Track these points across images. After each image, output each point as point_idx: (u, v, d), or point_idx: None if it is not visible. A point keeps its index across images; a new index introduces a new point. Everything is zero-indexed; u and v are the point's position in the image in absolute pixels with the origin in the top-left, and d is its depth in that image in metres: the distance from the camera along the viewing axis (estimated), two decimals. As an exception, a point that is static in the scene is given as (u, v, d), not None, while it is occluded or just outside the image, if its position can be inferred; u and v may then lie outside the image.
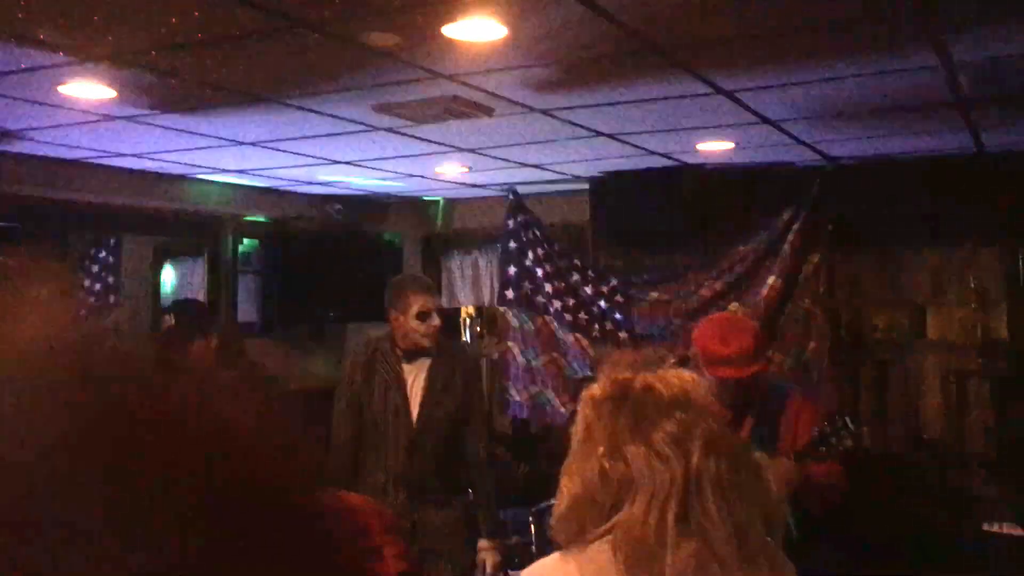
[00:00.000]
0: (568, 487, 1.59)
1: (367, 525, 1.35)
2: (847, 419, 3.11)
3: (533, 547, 4.42)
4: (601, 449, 1.55)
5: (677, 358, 1.69)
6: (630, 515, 1.50)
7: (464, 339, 7.75)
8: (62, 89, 3.79)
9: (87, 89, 3.80)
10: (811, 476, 3.09)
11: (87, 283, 6.48)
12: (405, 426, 3.79)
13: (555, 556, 1.61)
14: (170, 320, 3.97)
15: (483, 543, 3.88)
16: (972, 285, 5.88)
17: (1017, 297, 5.77)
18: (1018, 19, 3.09)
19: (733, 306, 5.53)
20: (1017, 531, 4.59)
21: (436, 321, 3.81)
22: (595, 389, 1.64)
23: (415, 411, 3.81)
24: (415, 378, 3.84)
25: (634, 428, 1.55)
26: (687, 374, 1.66)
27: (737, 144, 5.19)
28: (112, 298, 6.43)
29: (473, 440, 3.87)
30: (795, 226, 5.48)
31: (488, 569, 3.83)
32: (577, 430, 1.63)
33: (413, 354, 3.85)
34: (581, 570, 1.53)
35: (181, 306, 4.20)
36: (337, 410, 3.92)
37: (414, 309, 3.77)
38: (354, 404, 3.87)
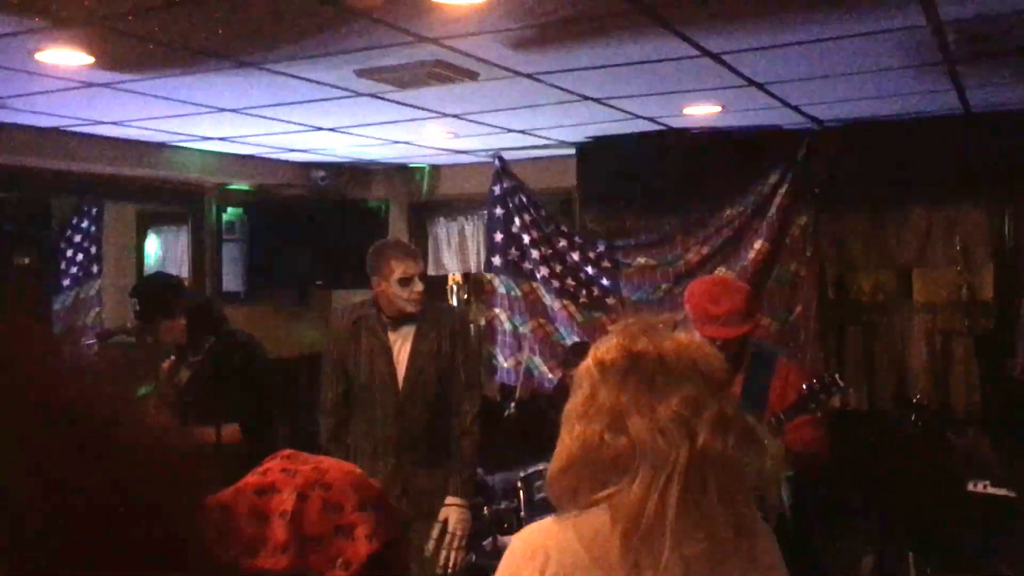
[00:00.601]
0: (567, 445, 1.55)
1: (340, 503, 1.34)
2: (836, 376, 3.13)
3: (522, 512, 4.44)
4: (604, 416, 1.51)
5: (668, 324, 1.64)
6: (630, 491, 1.46)
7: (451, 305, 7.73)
8: (39, 56, 3.72)
9: (64, 56, 3.73)
10: (790, 446, 3.11)
11: (68, 253, 6.42)
12: (392, 394, 3.78)
13: (550, 520, 1.56)
14: (135, 304, 3.90)
15: (450, 499, 3.77)
16: (958, 246, 5.89)
17: (1002, 257, 5.79)
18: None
19: (720, 270, 5.53)
20: (1001, 491, 4.63)
21: (419, 286, 3.77)
22: (604, 351, 1.57)
23: (402, 379, 3.79)
24: (401, 345, 3.82)
25: (640, 399, 1.50)
26: (702, 343, 1.60)
27: (723, 107, 5.16)
28: (94, 268, 6.37)
29: (459, 402, 3.84)
30: (782, 189, 5.47)
31: (450, 526, 3.73)
32: (582, 387, 1.57)
33: (398, 321, 3.82)
34: (580, 537, 1.50)
35: (144, 287, 4.14)
36: (324, 375, 3.94)
37: (396, 275, 3.74)
38: (338, 370, 3.87)
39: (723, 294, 3.29)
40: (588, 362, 1.59)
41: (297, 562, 1.24)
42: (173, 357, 3.91)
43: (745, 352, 3.33)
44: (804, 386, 3.15)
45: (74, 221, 6.46)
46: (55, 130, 5.46)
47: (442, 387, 3.83)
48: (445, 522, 3.74)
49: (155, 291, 4.00)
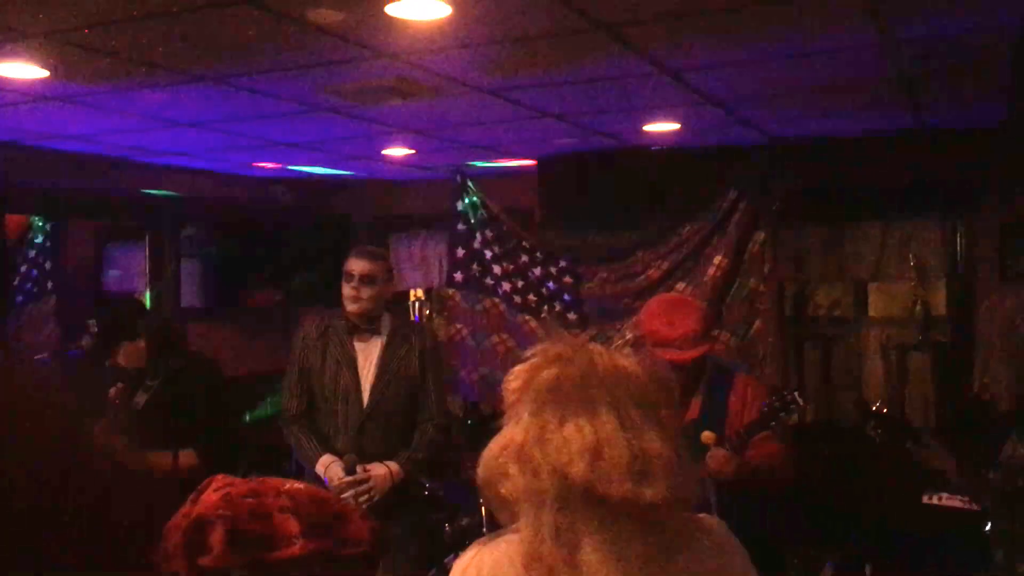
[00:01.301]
0: (482, 462, 1.53)
1: (323, 497, 1.43)
2: (796, 394, 3.16)
3: (484, 528, 4.42)
4: (503, 456, 1.48)
5: (625, 340, 1.64)
6: (524, 533, 1.44)
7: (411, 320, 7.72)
8: (-7, 69, 3.68)
9: (19, 69, 3.68)
10: (751, 461, 3.13)
11: (23, 269, 6.32)
12: (355, 407, 3.73)
13: (487, 539, 1.56)
14: (93, 326, 3.85)
15: (387, 462, 3.66)
16: (912, 261, 5.99)
17: (955, 272, 5.90)
18: (957, -3, 3.12)
19: (680, 286, 5.56)
20: (956, 502, 4.69)
21: (356, 282, 3.70)
22: (511, 390, 1.53)
23: (366, 392, 3.74)
24: (367, 357, 3.78)
25: (524, 449, 1.45)
26: (632, 365, 1.50)
27: (683, 125, 5.21)
28: (49, 284, 6.27)
29: (423, 418, 3.81)
30: (741, 205, 5.52)
31: (348, 469, 3.58)
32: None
33: (366, 332, 3.78)
34: (508, 556, 1.48)
35: (105, 308, 4.10)
36: (286, 384, 3.84)
37: (345, 271, 3.74)
38: (304, 379, 3.81)
39: (678, 316, 3.28)
40: (511, 381, 1.54)
41: (315, 545, 1.33)
42: (121, 384, 3.80)
43: (704, 370, 3.35)
44: (764, 404, 3.17)
45: (28, 236, 6.36)
46: (10, 144, 5.38)
47: (408, 406, 3.80)
48: (366, 470, 3.62)
49: (116, 313, 3.95)
